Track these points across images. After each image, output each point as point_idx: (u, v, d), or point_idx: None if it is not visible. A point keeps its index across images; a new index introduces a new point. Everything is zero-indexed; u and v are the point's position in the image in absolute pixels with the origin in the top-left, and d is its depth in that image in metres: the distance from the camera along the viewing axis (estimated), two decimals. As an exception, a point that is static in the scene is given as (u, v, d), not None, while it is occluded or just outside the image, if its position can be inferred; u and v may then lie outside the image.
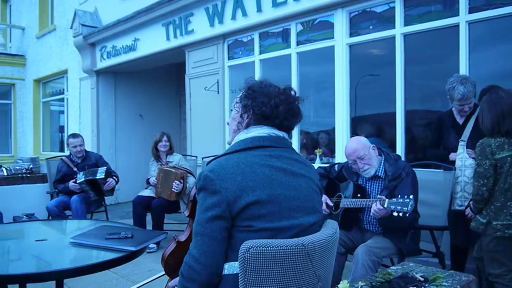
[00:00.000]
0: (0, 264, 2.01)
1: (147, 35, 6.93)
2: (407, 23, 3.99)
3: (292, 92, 1.67)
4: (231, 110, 1.74)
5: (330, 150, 5.04)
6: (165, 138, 5.18)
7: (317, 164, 4.69)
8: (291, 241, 1.33)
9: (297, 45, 4.94)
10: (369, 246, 2.75)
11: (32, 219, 4.56)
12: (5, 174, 4.10)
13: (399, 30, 4.02)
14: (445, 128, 3.40)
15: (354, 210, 3.03)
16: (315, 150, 4.96)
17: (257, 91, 1.63)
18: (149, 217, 5.01)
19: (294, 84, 4.99)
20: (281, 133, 1.64)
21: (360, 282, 1.38)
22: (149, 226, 5.08)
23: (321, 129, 5.35)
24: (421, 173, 3.31)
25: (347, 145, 3.04)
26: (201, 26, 5.93)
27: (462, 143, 3.11)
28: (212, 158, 1.59)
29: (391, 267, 1.55)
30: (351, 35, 4.43)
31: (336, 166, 3.40)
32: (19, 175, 4.72)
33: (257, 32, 5.35)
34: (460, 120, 3.28)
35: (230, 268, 1.45)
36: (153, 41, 6.81)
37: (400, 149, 4.06)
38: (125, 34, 7.37)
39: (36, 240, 2.19)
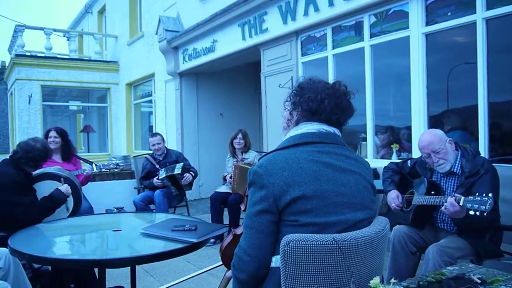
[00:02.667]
0: (81, 251, 2.26)
1: (224, 36, 7.17)
2: (489, 6, 3.68)
3: (342, 87, 1.65)
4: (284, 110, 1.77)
5: (410, 146, 4.83)
6: (240, 135, 5.33)
7: (393, 160, 4.52)
8: (325, 236, 1.33)
9: (371, 37, 4.79)
10: (442, 246, 2.61)
11: (119, 212, 4.96)
12: (95, 170, 4.50)
13: (480, 14, 3.72)
14: None
15: (427, 208, 2.88)
16: (391, 145, 4.78)
17: (305, 88, 1.65)
18: (226, 212, 5.19)
19: (368, 78, 4.86)
20: (331, 129, 1.63)
21: (407, 280, 1.34)
22: (226, 221, 5.26)
23: (401, 124, 5.15)
24: (508, 169, 3.07)
25: (421, 138, 2.89)
26: (274, 24, 6.00)
27: None
28: (263, 154, 1.63)
29: (447, 268, 1.48)
30: (427, 23, 4.19)
31: (409, 161, 3.26)
32: (109, 171, 5.18)
33: (329, 26, 5.28)
34: None
35: (277, 261, 1.48)
36: (230, 42, 7.03)
37: (483, 144, 3.77)
38: (204, 37, 7.68)
39: (113, 230, 2.41)
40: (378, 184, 3.41)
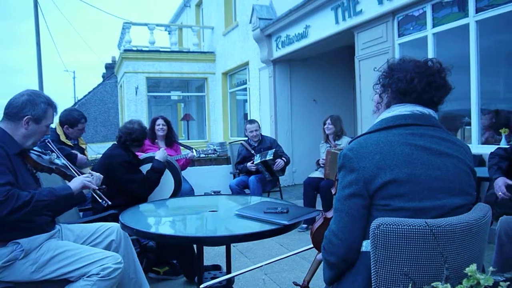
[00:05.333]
0: (181, 228, 2.45)
1: (317, 21, 7.08)
2: None
3: (436, 64, 1.56)
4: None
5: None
6: (329, 120, 5.27)
7: (502, 145, 4.15)
8: (417, 221, 1.28)
9: (476, 12, 4.40)
10: (558, 239, 2.36)
11: (216, 195, 5.22)
12: (195, 155, 4.79)
13: None
14: None
15: (541, 198, 2.62)
16: (500, 130, 4.38)
17: (395, 69, 1.59)
18: (319, 198, 5.19)
19: (473, 58, 4.48)
20: (426, 110, 1.56)
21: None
22: (319, 207, 5.27)
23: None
24: None
25: None
26: (369, 5, 5.78)
27: None
28: (354, 138, 1.61)
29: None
30: (545, -8, 3.75)
31: (519, 146, 2.97)
32: (207, 157, 5.48)
33: (429, 3, 4.95)
34: None
35: (368, 245, 1.46)
36: (323, 26, 6.93)
37: None
38: (297, 23, 7.66)
39: (209, 211, 2.56)
40: (484, 171, 3.17)
